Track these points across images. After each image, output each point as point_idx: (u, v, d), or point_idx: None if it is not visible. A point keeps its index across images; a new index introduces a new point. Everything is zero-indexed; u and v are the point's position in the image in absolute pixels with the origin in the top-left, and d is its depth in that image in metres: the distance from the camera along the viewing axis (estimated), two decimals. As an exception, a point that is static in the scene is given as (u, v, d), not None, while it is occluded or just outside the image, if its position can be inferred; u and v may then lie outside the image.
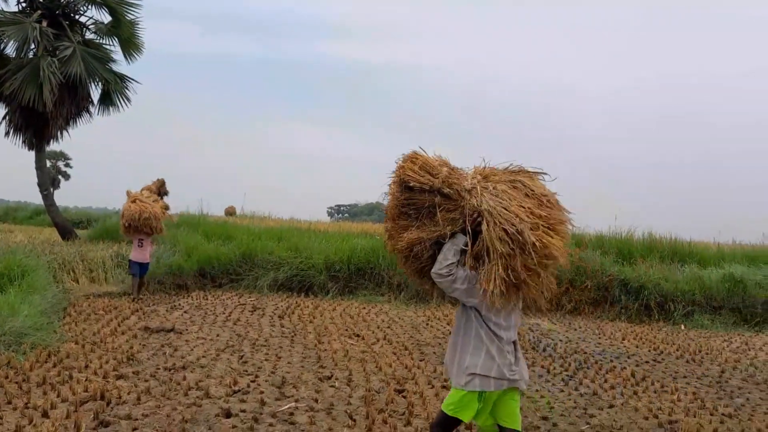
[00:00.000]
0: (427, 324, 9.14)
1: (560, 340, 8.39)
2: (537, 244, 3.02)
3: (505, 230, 3.01)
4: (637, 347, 8.18)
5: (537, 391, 5.68)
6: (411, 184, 3.22)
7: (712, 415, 5.18)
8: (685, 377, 6.57)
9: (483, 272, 3.07)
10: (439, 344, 7.65)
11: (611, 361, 7.20)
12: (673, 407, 5.32)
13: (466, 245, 3.16)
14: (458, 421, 3.24)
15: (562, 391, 5.75)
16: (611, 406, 5.26)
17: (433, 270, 3.21)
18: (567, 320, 10.39)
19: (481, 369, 3.14)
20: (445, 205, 3.20)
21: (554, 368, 6.64)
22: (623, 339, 8.74)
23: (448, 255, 3.17)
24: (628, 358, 7.44)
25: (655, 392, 5.83)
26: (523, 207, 3.12)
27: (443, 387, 5.57)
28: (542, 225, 3.11)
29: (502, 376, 3.15)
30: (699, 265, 12.18)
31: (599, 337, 8.81)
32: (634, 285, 10.92)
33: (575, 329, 9.51)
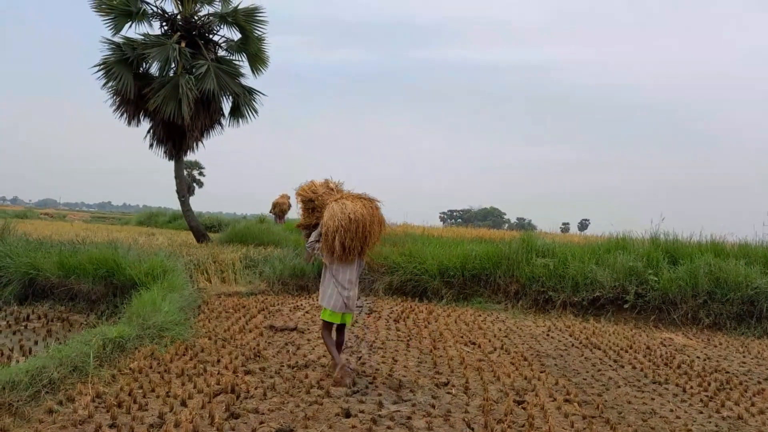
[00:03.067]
0: (548, 335, 8.77)
1: (697, 357, 7.69)
2: (351, 230, 5.49)
3: (335, 222, 5.51)
4: None
5: (671, 411, 5.23)
6: (300, 197, 6.17)
7: None
8: None
9: (320, 245, 5.75)
10: (561, 356, 7.31)
11: (759, 382, 6.46)
12: None
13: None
14: (331, 324, 5.80)
15: (701, 413, 5.24)
16: (761, 434, 4.72)
17: (306, 244, 6.00)
18: (705, 335, 9.50)
19: (333, 299, 5.67)
20: (318, 206, 6.01)
21: (691, 387, 6.08)
22: None
23: (312, 236, 5.91)
24: None
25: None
26: (354, 210, 5.54)
27: (566, 401, 5.31)
28: (365, 219, 5.56)
29: (341, 305, 5.66)
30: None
31: (743, 356, 7.96)
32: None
33: (715, 346, 8.67)
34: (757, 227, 15.94)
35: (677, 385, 6.17)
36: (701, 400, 5.63)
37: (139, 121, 17.02)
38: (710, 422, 4.98)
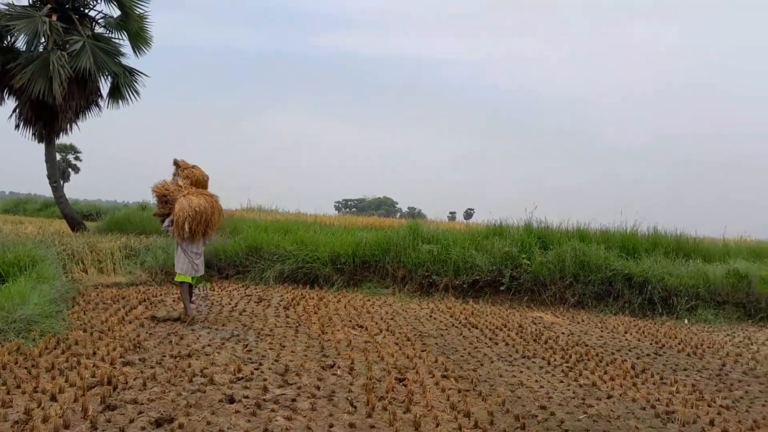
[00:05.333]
0: (431, 316, 9.22)
1: (562, 333, 8.45)
2: (196, 219, 7.43)
3: (184, 213, 7.40)
4: (638, 340, 8.23)
5: (536, 381, 5.75)
6: (155, 193, 7.79)
7: (710, 406, 5.23)
8: (685, 370, 6.61)
9: (173, 228, 7.56)
10: (441, 335, 7.73)
11: (612, 353, 7.25)
12: (672, 398, 5.38)
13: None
14: (190, 284, 7.75)
15: (562, 381, 5.81)
16: (609, 397, 5.33)
17: (162, 227, 8.02)
18: (570, 313, 10.44)
19: (185, 266, 7.63)
20: (170, 200, 7.65)
21: (555, 360, 6.70)
22: (625, 332, 8.79)
23: (165, 222, 7.75)
24: (629, 350, 7.49)
25: (654, 384, 5.89)
26: (198, 203, 7.47)
27: (443, 377, 5.65)
28: (207, 210, 7.53)
29: (191, 269, 7.63)
30: (704, 260, 12.18)
31: (602, 330, 8.86)
32: (638, 279, 10.95)
33: (578, 322, 9.56)
34: (616, 215, 17.62)
35: (543, 358, 6.77)
36: (563, 371, 6.23)
37: (2, 99, 15.56)
38: (569, 389, 5.54)
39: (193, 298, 8.15)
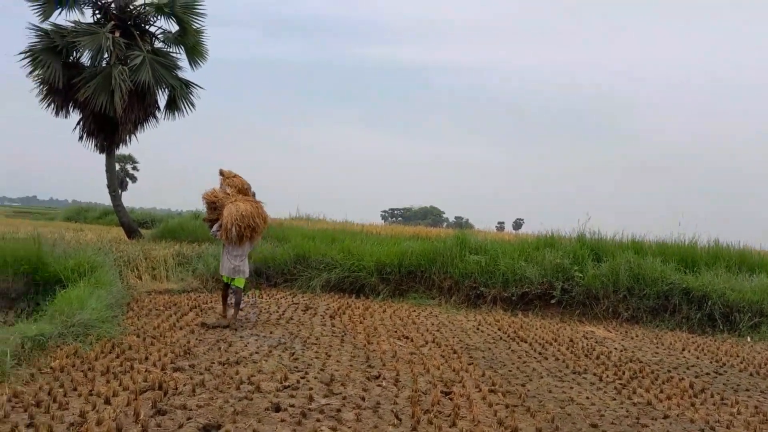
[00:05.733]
0: (477, 328, 9.07)
1: (615, 349, 8.15)
2: (243, 223, 7.91)
3: (232, 218, 7.92)
4: (697, 358, 7.85)
5: (587, 398, 5.55)
6: (205, 200, 8.37)
7: (776, 430, 4.92)
8: (747, 390, 6.26)
9: (220, 232, 8.10)
10: (489, 349, 7.59)
11: (669, 371, 6.94)
12: (732, 420, 5.09)
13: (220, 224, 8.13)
14: (226, 284, 8.35)
15: (614, 399, 5.59)
16: (666, 417, 5.08)
17: (210, 232, 8.47)
18: (624, 328, 10.07)
19: (225, 268, 8.16)
20: (219, 206, 8.22)
21: (607, 376, 6.46)
22: (683, 350, 8.41)
23: (214, 227, 8.27)
24: (687, 369, 7.15)
25: (714, 404, 5.59)
26: (245, 209, 8.01)
27: (491, 391, 5.53)
28: (253, 215, 8.04)
29: (229, 271, 8.12)
30: (769, 275, 11.54)
31: (657, 347, 8.50)
32: (697, 294, 10.47)
33: (632, 338, 9.21)
34: (674, 227, 16.95)
35: (595, 374, 6.54)
36: (615, 388, 6.00)
37: (68, 112, 16.36)
38: (622, 407, 5.32)
39: (234, 303, 8.32)
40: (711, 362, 7.65)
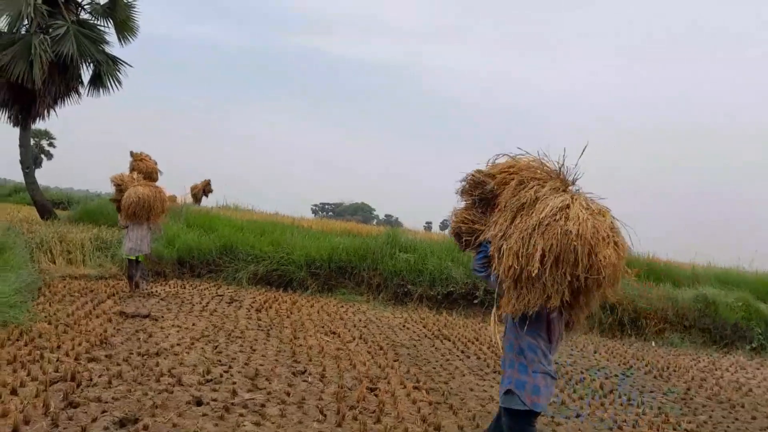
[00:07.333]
0: (404, 326, 9.20)
1: (533, 350, 8.49)
2: (139, 205, 9.05)
3: (130, 200, 9.23)
4: (607, 360, 8.32)
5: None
6: (114, 182, 9.57)
7: (674, 429, 5.31)
8: (651, 392, 6.70)
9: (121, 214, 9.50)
10: (414, 346, 7.71)
11: (581, 372, 7.31)
12: (638, 420, 5.43)
13: None
14: (137, 261, 9.43)
15: (531, 398, 5.83)
16: (578, 416, 5.36)
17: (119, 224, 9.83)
18: (542, 331, 10.51)
19: (127, 247, 9.32)
20: (124, 189, 9.42)
21: (525, 376, 6.73)
22: (595, 352, 8.89)
23: (120, 220, 9.68)
24: (598, 370, 7.57)
25: (621, 405, 5.95)
26: (143, 193, 9.19)
27: (415, 388, 5.63)
28: (150, 199, 9.23)
29: (130, 249, 9.31)
30: (673, 284, 12.39)
31: (571, 349, 8.93)
32: (609, 300, 11.05)
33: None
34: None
35: (514, 374, 6.78)
36: (532, 388, 6.26)
37: (-21, 79, 15.15)
38: (537, 407, 5.56)
39: (139, 275, 9.46)
40: (619, 365, 8.13)
